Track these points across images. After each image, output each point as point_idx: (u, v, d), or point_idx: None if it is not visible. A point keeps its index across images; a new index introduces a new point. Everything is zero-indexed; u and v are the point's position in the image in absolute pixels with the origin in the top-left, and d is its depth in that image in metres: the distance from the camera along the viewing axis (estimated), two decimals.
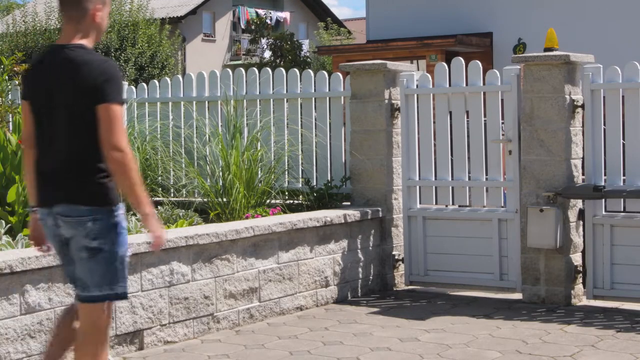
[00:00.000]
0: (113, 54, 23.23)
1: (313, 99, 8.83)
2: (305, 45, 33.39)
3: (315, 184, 8.72)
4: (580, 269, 7.64)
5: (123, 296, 4.48)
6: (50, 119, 4.44)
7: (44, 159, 4.49)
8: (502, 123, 8.01)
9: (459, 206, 8.32)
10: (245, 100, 9.03)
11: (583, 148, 7.65)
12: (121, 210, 4.42)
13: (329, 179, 8.69)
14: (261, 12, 37.86)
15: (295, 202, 8.68)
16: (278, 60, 30.59)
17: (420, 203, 8.36)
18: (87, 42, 4.49)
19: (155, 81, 9.88)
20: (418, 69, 10.52)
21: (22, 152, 4.68)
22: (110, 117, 4.30)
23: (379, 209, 8.22)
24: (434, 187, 8.30)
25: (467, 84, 8.11)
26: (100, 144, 4.32)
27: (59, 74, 4.41)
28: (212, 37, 37.66)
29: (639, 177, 7.44)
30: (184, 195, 9.22)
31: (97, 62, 4.39)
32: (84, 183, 4.38)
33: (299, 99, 8.92)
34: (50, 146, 4.46)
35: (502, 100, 7.96)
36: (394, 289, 8.36)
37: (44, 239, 4.63)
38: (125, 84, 10.04)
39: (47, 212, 4.47)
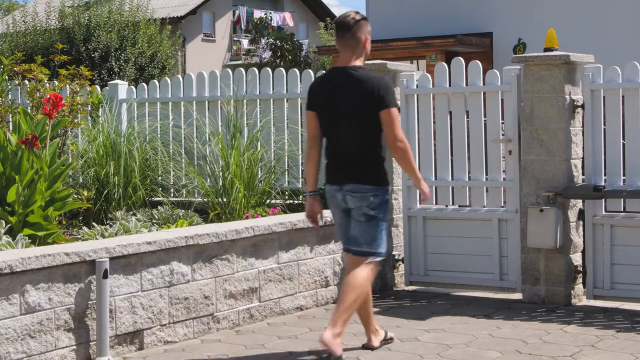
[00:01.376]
0: (113, 54, 23.18)
1: None
2: (306, 45, 33.40)
3: None
4: (580, 269, 7.64)
5: (381, 255, 5.81)
6: (339, 123, 5.75)
7: (335, 152, 5.81)
8: (502, 123, 8.01)
9: (459, 206, 8.32)
10: (245, 100, 9.03)
11: (583, 148, 7.64)
12: (391, 189, 5.55)
13: None
14: (260, 13, 37.83)
15: (295, 202, 8.67)
16: (278, 61, 30.59)
17: (420, 203, 8.36)
18: (360, 63, 5.82)
19: (155, 81, 9.89)
20: (418, 69, 10.51)
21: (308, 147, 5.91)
22: (392, 118, 5.68)
23: None
24: (434, 187, 8.30)
25: (467, 84, 8.11)
26: (375, 139, 5.72)
27: (347, 88, 5.74)
28: (212, 37, 37.67)
29: (639, 177, 7.44)
30: (184, 195, 9.22)
31: (376, 78, 5.76)
32: (367, 169, 5.73)
33: (299, 99, 8.92)
34: (339, 143, 5.78)
35: (502, 100, 7.96)
36: (394, 289, 8.35)
37: (316, 216, 6.01)
38: (125, 84, 10.05)
39: (338, 189, 5.80)
